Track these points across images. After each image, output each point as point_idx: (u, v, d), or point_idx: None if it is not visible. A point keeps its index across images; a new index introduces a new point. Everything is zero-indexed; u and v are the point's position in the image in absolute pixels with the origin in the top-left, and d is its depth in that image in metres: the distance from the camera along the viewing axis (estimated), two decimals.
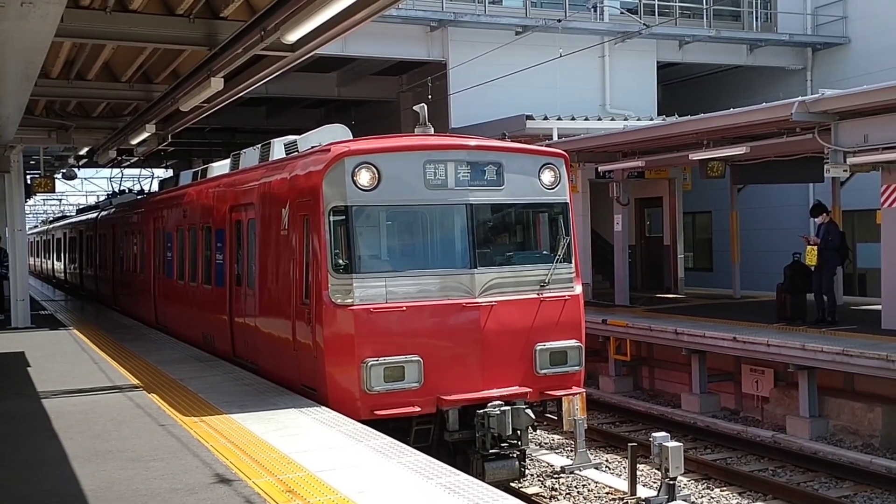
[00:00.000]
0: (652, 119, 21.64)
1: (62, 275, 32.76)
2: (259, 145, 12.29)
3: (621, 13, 23.69)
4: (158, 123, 15.48)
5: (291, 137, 11.32)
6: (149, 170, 38.38)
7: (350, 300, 8.77)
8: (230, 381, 10.33)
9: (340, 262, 8.87)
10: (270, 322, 10.36)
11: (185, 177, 16.87)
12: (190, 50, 12.13)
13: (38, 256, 43.18)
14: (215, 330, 12.56)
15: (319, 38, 9.42)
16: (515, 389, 9.27)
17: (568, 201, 10.00)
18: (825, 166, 13.99)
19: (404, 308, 8.91)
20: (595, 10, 23.67)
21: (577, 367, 9.72)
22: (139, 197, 23.28)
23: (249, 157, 12.64)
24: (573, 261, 9.91)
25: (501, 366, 9.24)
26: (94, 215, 26.10)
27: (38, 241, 43.74)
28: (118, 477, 6.45)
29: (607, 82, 23.50)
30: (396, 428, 8.54)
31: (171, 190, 17.10)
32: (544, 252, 9.95)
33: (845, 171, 14.04)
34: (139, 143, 17.53)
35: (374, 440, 7.38)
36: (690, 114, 18.07)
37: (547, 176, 9.80)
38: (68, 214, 41.88)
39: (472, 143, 9.60)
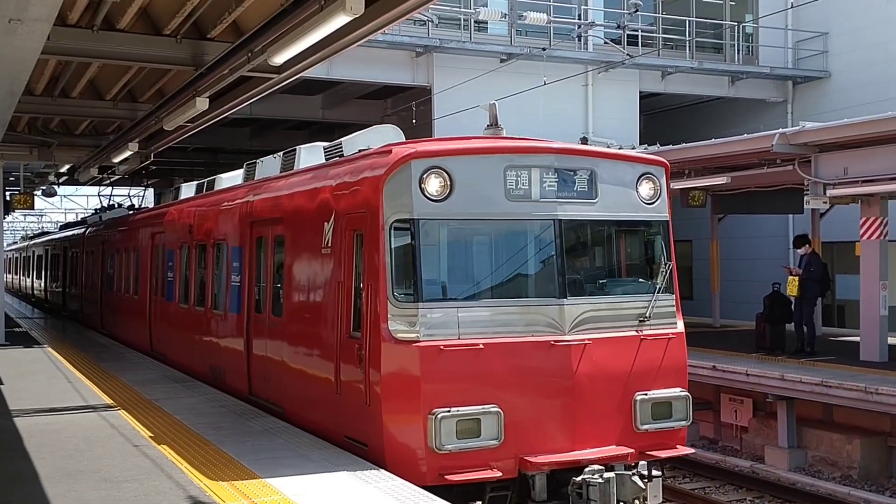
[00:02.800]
0: (634, 148, 21.82)
1: (42, 293, 31.50)
2: (280, 153, 10.97)
3: (605, 43, 23.96)
4: (141, 142, 15.44)
5: (336, 141, 9.68)
6: (135, 188, 37.94)
7: (414, 334, 7.20)
8: (206, 402, 10.23)
9: (403, 287, 7.34)
10: (303, 358, 8.77)
11: (188, 189, 15.34)
12: (176, 70, 12.16)
13: (17, 273, 42.01)
14: (227, 363, 11.02)
15: (306, 60, 9.46)
16: (614, 450, 7.57)
17: (668, 219, 8.49)
18: (805, 198, 14.17)
19: (481, 346, 7.29)
20: (579, 40, 23.91)
21: (682, 422, 8.04)
22: (133, 211, 21.70)
23: (268, 166, 11.28)
24: (674, 291, 8.33)
25: (596, 419, 7.61)
26: (80, 231, 24.69)
27: (17, 258, 42.42)
28: (90, 497, 6.35)
29: (590, 111, 23.71)
30: (462, 492, 7.11)
31: (174, 203, 15.36)
32: (641, 280, 8.41)
33: (825, 202, 14.22)
34: (121, 162, 17.46)
35: None
36: (672, 143, 18.25)
37: (646, 188, 8.27)
38: (49, 231, 40.86)
39: (560, 145, 8.16)
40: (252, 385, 10.17)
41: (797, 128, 14.23)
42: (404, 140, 8.94)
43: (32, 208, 25.17)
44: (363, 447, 7.52)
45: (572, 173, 7.90)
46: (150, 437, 8.36)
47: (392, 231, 7.39)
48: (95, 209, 29.71)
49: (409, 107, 22.09)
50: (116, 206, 27.46)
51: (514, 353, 7.41)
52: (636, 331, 7.97)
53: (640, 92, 24.40)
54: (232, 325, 10.80)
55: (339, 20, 7.37)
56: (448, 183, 7.45)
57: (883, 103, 18.70)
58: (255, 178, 11.40)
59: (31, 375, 12.60)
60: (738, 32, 25.62)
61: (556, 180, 7.80)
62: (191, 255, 12.87)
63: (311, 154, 10.18)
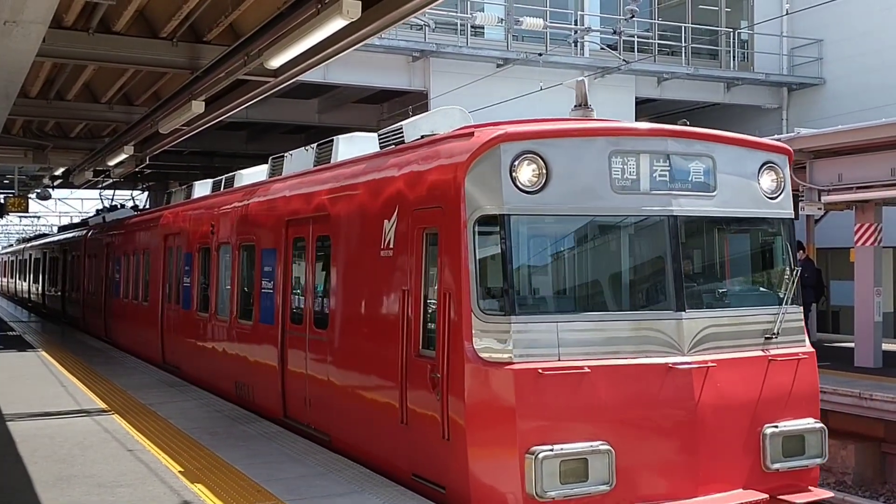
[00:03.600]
0: None
1: (39, 298, 30.33)
2: (314, 145, 9.84)
3: (601, 49, 24.00)
4: (137, 145, 15.43)
5: (394, 126, 8.24)
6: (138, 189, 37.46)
7: (507, 355, 6.00)
8: (200, 406, 10.18)
9: (492, 297, 6.19)
10: (357, 378, 7.66)
11: (202, 187, 13.98)
12: (172, 73, 12.15)
13: (12, 277, 40.98)
14: (256, 380, 9.85)
15: (302, 64, 9.47)
16: (743, 495, 6.40)
17: (793, 216, 7.22)
18: (800, 204, 14.18)
19: (586, 369, 6.07)
20: (576, 45, 23.96)
21: (817, 459, 6.84)
22: (139, 212, 20.14)
23: (299, 159, 10.12)
24: (801, 302, 7.14)
25: (721, 458, 6.40)
26: (81, 233, 23.40)
27: (13, 261, 41.18)
28: (83, 502, 6.31)
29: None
30: None
31: (188, 202, 13.90)
32: (763, 288, 7.23)
33: (820, 209, 14.24)
34: (116, 165, 17.43)
35: None
36: None
37: (768, 179, 7.03)
38: (48, 233, 39.65)
39: (673, 127, 6.91)
40: (287, 407, 9.00)
41: (792, 134, 14.27)
42: (474, 123, 7.62)
43: (27, 211, 25.04)
44: (439, 490, 6.35)
45: (687, 161, 6.66)
46: (144, 441, 8.31)
47: (476, 229, 6.22)
48: (97, 210, 28.53)
49: (405, 111, 22.09)
50: (119, 206, 26.14)
51: (626, 378, 6.18)
52: (762, 350, 6.71)
53: (636, 98, 24.45)
54: (263, 337, 9.64)
55: (336, 24, 7.37)
56: (544, 171, 6.27)
57: (877, 110, 18.79)
58: (286, 173, 10.20)
59: (24, 379, 12.53)
60: (734, 39, 25.70)
61: (668, 169, 6.56)
62: (211, 259, 11.63)
63: (350, 145, 9.14)
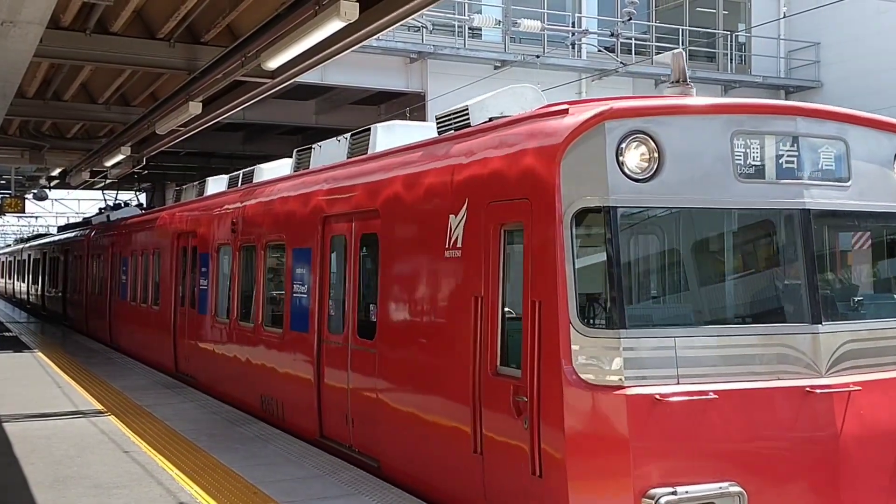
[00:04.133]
0: None
1: (38, 300, 29.40)
2: (345, 135, 8.95)
3: (599, 51, 24.01)
4: (134, 146, 15.41)
5: (458, 107, 7.16)
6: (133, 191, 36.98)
7: (616, 377, 5.04)
8: (197, 408, 10.16)
9: (596, 306, 5.30)
10: (414, 396, 6.65)
11: (217, 183, 13.17)
12: (169, 73, 12.12)
13: (9, 278, 39.99)
14: (287, 395, 8.94)
15: (299, 66, 9.46)
16: None
17: None
18: None
19: (712, 395, 5.10)
20: (573, 48, 23.98)
21: None
22: (148, 210, 19.15)
23: (329, 151, 9.23)
24: None
25: (866, 499, 5.42)
26: (84, 233, 22.45)
27: (10, 261, 40.17)
28: None
29: None
30: None
31: (205, 199, 12.91)
32: None
33: None
34: (113, 165, 17.41)
35: None
36: None
37: None
38: (47, 233, 38.78)
39: (803, 104, 5.97)
40: (325, 425, 8.09)
41: None
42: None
43: (23, 212, 24.95)
44: None
45: (818, 144, 5.64)
46: (141, 443, 8.30)
47: (575, 224, 5.18)
48: (100, 209, 27.43)
49: (402, 113, 22.10)
50: (122, 204, 25.18)
51: (757, 404, 5.19)
52: None
53: None
54: (295, 347, 8.71)
55: (334, 25, 7.37)
56: (656, 154, 5.25)
57: (874, 113, 18.80)
58: (314, 166, 9.29)
59: (20, 380, 12.50)
60: (731, 42, 25.74)
61: (796, 154, 5.54)
62: (233, 260, 10.71)
63: (389, 134, 8.34)
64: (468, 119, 6.86)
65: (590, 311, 5.25)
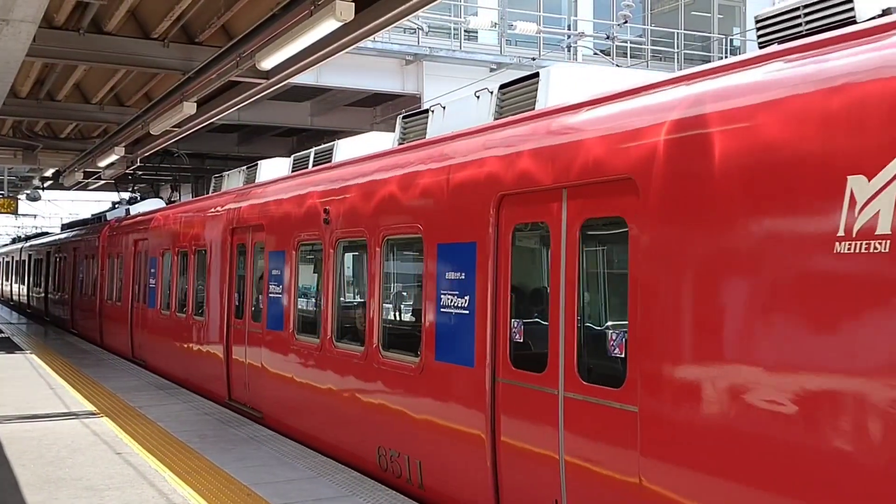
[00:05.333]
0: None
1: (40, 303, 27.15)
2: (488, 88, 6.91)
3: (595, 54, 24.05)
4: (128, 146, 15.36)
5: None
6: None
7: None
8: (190, 410, 10.11)
9: None
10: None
11: (274, 166, 11.16)
12: (164, 73, 12.08)
13: (6, 279, 37.92)
14: (428, 452, 6.49)
15: (294, 66, 9.44)
16: None
17: None
18: None
19: None
20: (569, 50, 24.00)
21: None
22: (180, 202, 16.27)
23: (460, 112, 7.07)
24: None
25: None
26: (97, 229, 20.01)
27: (7, 262, 38.17)
28: None
29: None
30: None
31: (266, 184, 10.49)
32: None
33: None
34: (107, 166, 17.36)
35: None
36: None
37: None
38: (48, 231, 37.02)
39: None
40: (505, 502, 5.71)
41: None
42: None
43: (16, 212, 24.79)
44: None
45: None
46: (133, 444, 8.25)
47: None
48: (113, 203, 24.01)
49: (398, 114, 22.11)
50: (138, 198, 21.76)
51: None
52: None
53: None
54: (444, 386, 6.30)
55: (329, 26, 7.35)
56: None
57: None
58: (437, 135, 7.17)
59: (12, 381, 12.44)
60: (726, 45, 25.79)
61: None
62: (325, 259, 8.30)
63: (564, 79, 6.26)
64: (852, 13, 4.29)
65: None
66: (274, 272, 9.49)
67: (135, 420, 9.49)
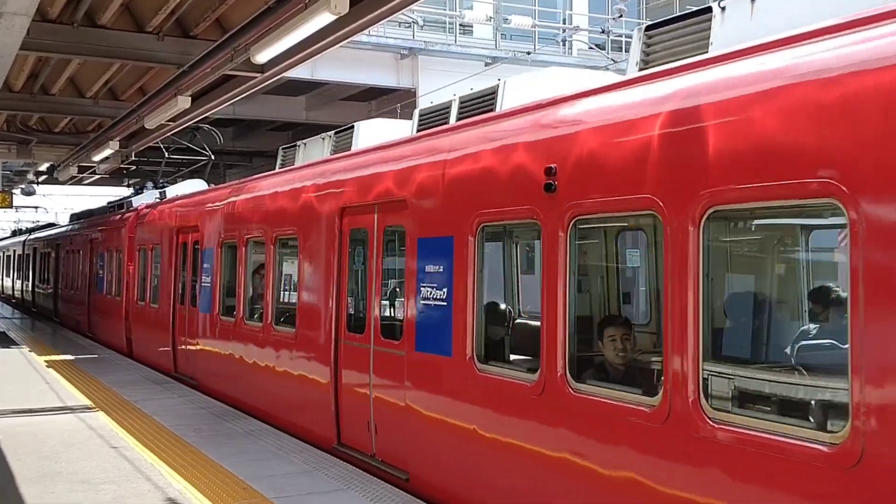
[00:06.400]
0: None
1: (49, 301, 24.85)
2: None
3: (590, 48, 24.04)
4: (122, 140, 15.32)
5: None
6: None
7: None
8: (185, 404, 10.11)
9: None
10: None
11: (379, 128, 8.97)
12: (158, 67, 12.05)
13: (7, 276, 36.08)
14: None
15: (289, 60, 9.41)
16: None
17: None
18: None
19: None
20: (564, 44, 23.99)
21: None
22: (246, 181, 11.30)
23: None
24: None
25: None
26: (122, 218, 17.30)
27: (9, 255, 36.36)
28: (67, 500, 6.24)
29: None
30: None
31: (390, 145, 7.70)
32: None
33: None
34: (102, 160, 17.31)
35: None
36: None
37: None
38: (55, 223, 34.91)
39: None
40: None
41: None
42: None
43: (11, 206, 24.66)
44: None
45: None
46: (129, 438, 8.25)
47: None
48: (135, 188, 20.72)
49: (393, 109, 22.07)
50: (161, 184, 18.35)
51: None
52: None
53: None
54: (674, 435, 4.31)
55: (323, 19, 7.33)
56: None
57: None
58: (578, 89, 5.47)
59: (7, 376, 12.42)
60: None
61: None
62: (554, 249, 5.22)
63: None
64: None
65: None
66: (431, 268, 6.43)
67: (131, 414, 9.49)
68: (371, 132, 8.95)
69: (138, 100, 13.33)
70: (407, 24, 21.35)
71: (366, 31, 8.57)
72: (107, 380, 12.02)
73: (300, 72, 16.99)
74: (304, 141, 10.68)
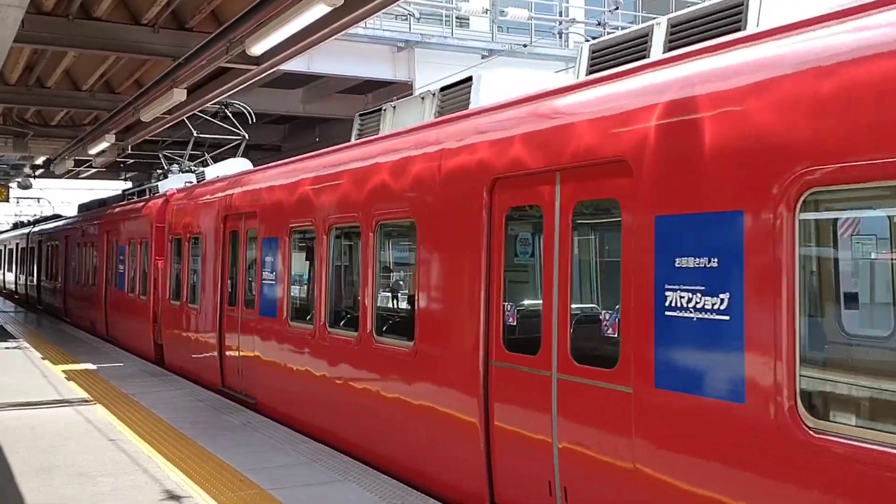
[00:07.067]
0: None
1: (55, 299, 23.58)
2: None
3: (586, 40, 24.04)
4: (118, 133, 15.29)
5: None
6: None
7: None
8: (183, 396, 10.12)
9: None
10: None
11: (500, 80, 7.20)
12: (154, 60, 12.01)
13: (12, 269, 34.60)
14: None
15: (285, 52, 9.40)
16: None
17: None
18: None
19: None
20: (560, 37, 23.96)
21: None
22: (317, 153, 9.23)
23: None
24: None
25: None
26: (141, 206, 15.48)
27: (11, 249, 34.94)
28: (65, 492, 6.25)
29: None
30: None
31: (491, 109, 6.20)
32: None
33: None
34: (98, 154, 17.28)
35: None
36: None
37: None
38: (60, 214, 32.52)
39: None
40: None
41: None
42: None
43: (7, 200, 24.57)
44: None
45: None
46: (127, 431, 8.26)
47: None
48: (159, 172, 18.37)
49: (389, 102, 22.09)
50: (190, 168, 16.59)
51: None
52: None
53: None
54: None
55: (319, 10, 7.32)
56: None
57: None
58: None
59: (4, 369, 12.42)
60: None
61: None
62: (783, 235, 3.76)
63: None
64: None
65: None
66: (680, 263, 4.33)
67: (128, 407, 9.49)
68: (497, 85, 6.97)
69: (134, 92, 13.30)
70: (403, 17, 21.30)
71: (362, 24, 8.55)
72: (104, 373, 12.01)
73: (296, 64, 16.97)
74: (392, 103, 8.86)
